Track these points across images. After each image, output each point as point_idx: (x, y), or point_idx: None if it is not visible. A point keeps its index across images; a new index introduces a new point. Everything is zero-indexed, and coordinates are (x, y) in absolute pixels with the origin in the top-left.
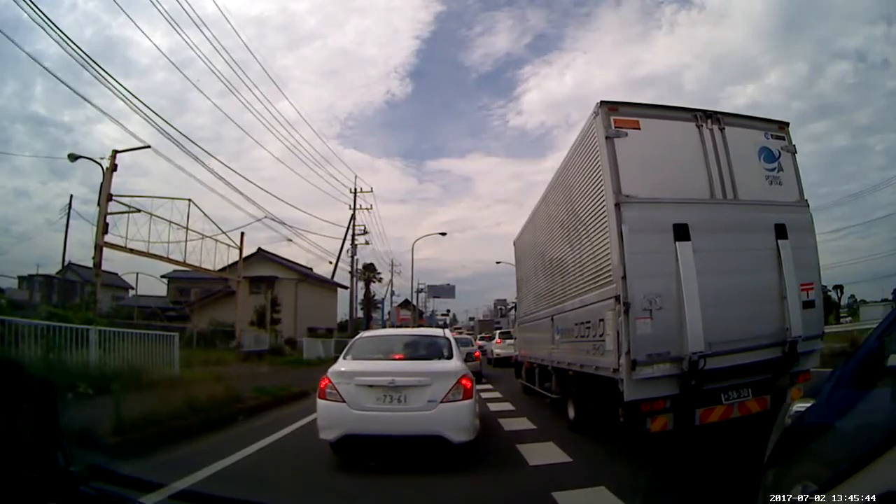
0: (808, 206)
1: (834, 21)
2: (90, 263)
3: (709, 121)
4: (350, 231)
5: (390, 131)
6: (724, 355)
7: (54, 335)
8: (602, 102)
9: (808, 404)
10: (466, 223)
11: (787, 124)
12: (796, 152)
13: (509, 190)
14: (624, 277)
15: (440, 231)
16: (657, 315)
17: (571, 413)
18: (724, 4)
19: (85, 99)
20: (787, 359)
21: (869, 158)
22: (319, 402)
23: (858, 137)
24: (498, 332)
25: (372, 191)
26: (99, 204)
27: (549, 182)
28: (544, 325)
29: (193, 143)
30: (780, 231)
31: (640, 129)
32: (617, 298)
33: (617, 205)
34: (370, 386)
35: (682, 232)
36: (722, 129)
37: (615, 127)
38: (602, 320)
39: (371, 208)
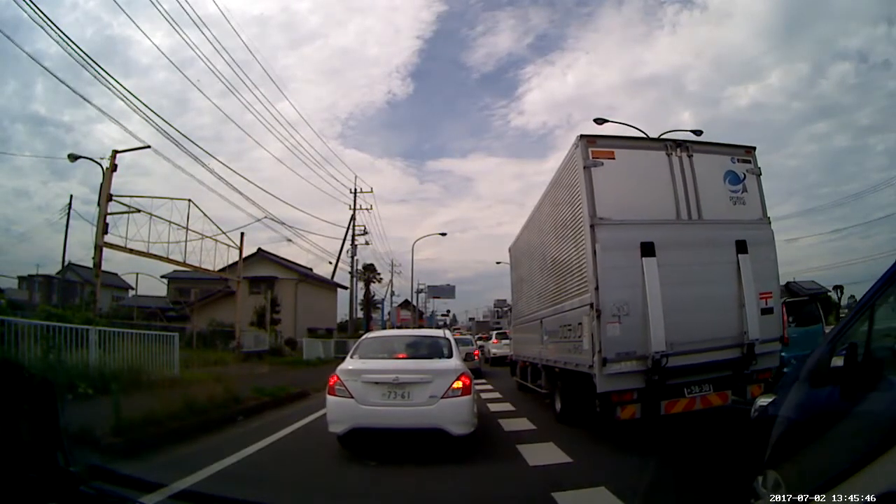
0: (770, 223)
1: (835, 21)
2: (90, 263)
3: (678, 149)
4: (350, 231)
5: (391, 131)
6: (685, 355)
7: (54, 335)
8: (581, 136)
9: (771, 399)
10: (468, 223)
11: (754, 149)
12: (761, 174)
13: (511, 190)
14: (597, 288)
15: (440, 231)
16: (625, 320)
17: (558, 405)
18: (727, 4)
19: (85, 99)
20: (746, 358)
21: (870, 159)
22: (329, 398)
23: (859, 138)
24: (494, 332)
25: (372, 191)
26: (99, 204)
27: (540, 198)
28: (535, 327)
29: (193, 143)
30: (741, 246)
31: (614, 159)
32: (591, 306)
33: (592, 226)
34: (376, 383)
35: (648, 249)
36: (690, 157)
37: (592, 158)
38: (580, 324)
39: (371, 208)
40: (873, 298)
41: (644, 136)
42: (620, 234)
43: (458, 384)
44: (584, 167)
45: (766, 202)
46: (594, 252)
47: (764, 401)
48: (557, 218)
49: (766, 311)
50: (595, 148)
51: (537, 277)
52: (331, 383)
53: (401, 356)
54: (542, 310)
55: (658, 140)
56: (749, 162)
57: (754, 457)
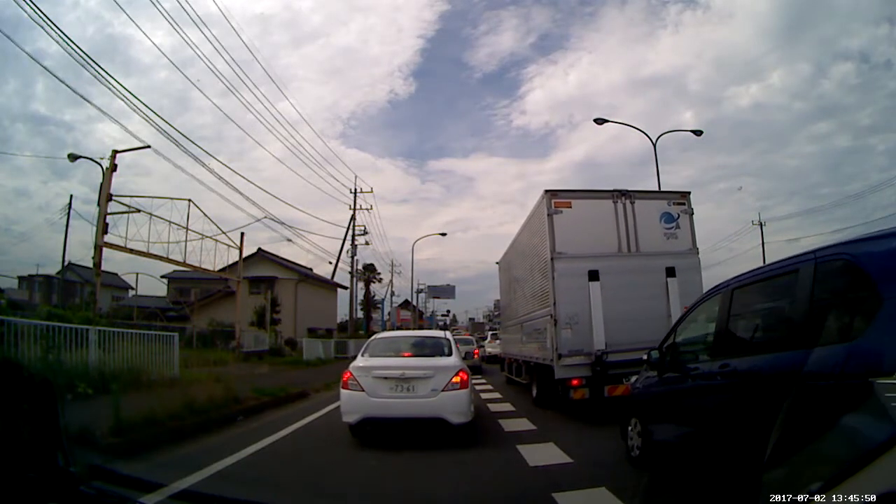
0: (698, 252)
1: (837, 21)
2: (90, 263)
3: (623, 198)
4: (350, 231)
5: (393, 131)
6: (621, 352)
7: (54, 335)
8: (546, 191)
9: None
10: (469, 223)
11: (689, 193)
12: (693, 213)
13: (512, 190)
14: (555, 304)
15: (441, 231)
16: (575, 327)
17: (534, 392)
18: (729, 4)
19: (85, 99)
20: None
21: (871, 159)
22: (343, 391)
23: (860, 138)
24: (490, 333)
25: (372, 191)
26: (99, 204)
27: (518, 230)
28: (517, 329)
29: (194, 143)
30: (670, 272)
31: (571, 207)
32: (551, 316)
33: (552, 259)
34: (385, 378)
35: (594, 275)
36: (633, 203)
37: (555, 207)
38: (545, 328)
39: (371, 209)
40: (678, 324)
41: (596, 189)
42: (573, 265)
43: (457, 379)
44: (548, 214)
45: (696, 235)
46: (553, 278)
47: (634, 378)
48: (529, 250)
49: None
50: (557, 199)
51: (518, 290)
52: (344, 378)
53: (406, 354)
54: (522, 317)
55: (607, 191)
56: (683, 204)
57: (628, 410)
